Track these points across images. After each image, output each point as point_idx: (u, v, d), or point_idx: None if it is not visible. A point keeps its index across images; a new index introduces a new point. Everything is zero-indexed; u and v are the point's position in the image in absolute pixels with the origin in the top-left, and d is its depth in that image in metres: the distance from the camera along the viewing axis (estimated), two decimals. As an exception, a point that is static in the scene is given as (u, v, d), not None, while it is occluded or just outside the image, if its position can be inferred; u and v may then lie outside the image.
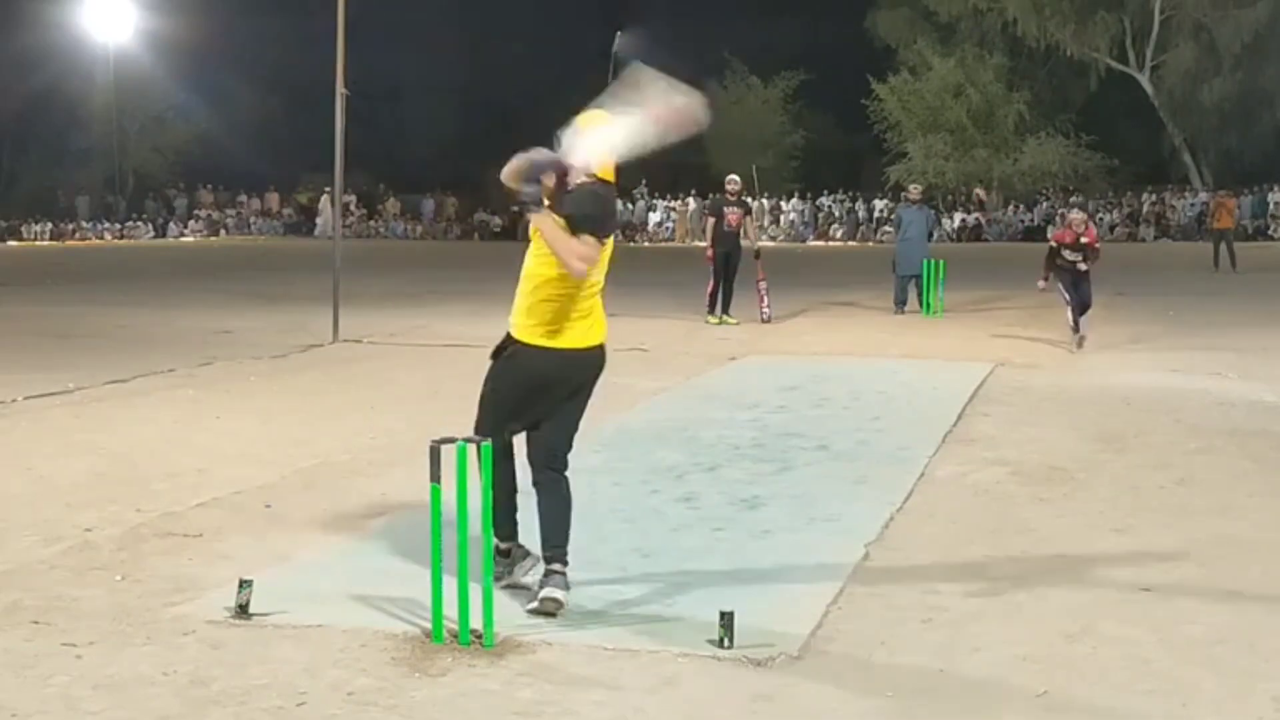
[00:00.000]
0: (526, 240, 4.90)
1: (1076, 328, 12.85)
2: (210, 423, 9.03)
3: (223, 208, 49.49)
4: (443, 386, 10.50)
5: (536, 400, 4.88)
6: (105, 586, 5.17)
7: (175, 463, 7.55)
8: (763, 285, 15.93)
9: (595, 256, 4.75)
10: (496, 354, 4.99)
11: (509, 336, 4.92)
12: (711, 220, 16.49)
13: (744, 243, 16.23)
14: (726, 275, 15.83)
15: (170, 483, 7.01)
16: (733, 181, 16.33)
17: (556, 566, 4.82)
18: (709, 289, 15.95)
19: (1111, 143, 41.24)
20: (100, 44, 46.02)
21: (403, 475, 7.04)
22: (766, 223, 42.54)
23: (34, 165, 47.77)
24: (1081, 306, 12.81)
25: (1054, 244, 13.14)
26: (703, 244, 17.70)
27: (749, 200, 17.65)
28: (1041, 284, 13.09)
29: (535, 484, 4.92)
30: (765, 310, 15.89)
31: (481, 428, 4.86)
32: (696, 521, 6.19)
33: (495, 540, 4.82)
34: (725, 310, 15.87)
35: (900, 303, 17.05)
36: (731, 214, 16.15)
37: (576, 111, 4.92)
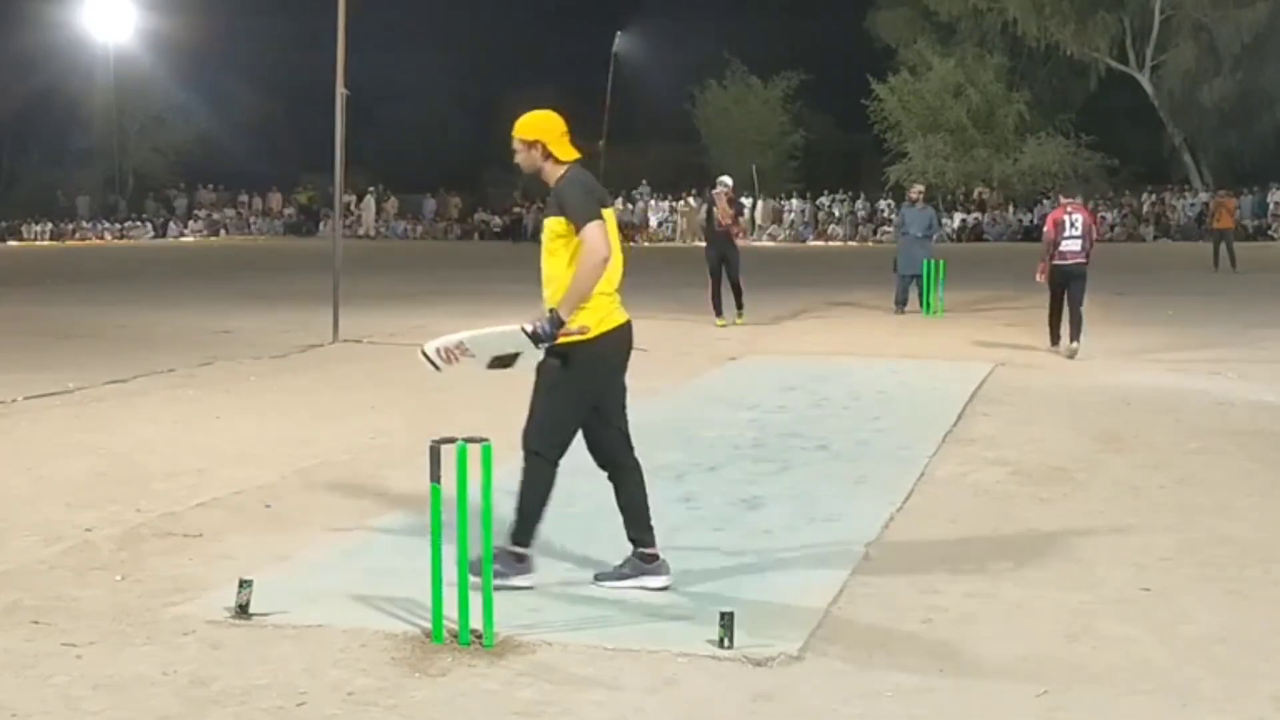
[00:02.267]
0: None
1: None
2: (210, 423, 9.03)
3: (223, 208, 49.49)
4: (443, 386, 10.48)
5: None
6: (105, 586, 5.17)
7: (175, 463, 7.55)
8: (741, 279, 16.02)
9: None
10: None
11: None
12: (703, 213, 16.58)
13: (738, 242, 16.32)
14: (728, 275, 15.82)
15: (170, 483, 7.02)
16: (723, 184, 16.38)
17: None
18: (708, 292, 15.94)
19: (1111, 143, 41.21)
20: (100, 44, 46.02)
21: (403, 475, 7.04)
22: (767, 222, 42.57)
23: (34, 165, 47.73)
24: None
25: None
26: (703, 244, 17.74)
27: (742, 201, 17.73)
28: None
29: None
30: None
31: None
32: (696, 521, 6.19)
33: (519, 545, 5.03)
34: (738, 309, 15.85)
35: (901, 302, 17.04)
36: (723, 214, 16.19)
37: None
